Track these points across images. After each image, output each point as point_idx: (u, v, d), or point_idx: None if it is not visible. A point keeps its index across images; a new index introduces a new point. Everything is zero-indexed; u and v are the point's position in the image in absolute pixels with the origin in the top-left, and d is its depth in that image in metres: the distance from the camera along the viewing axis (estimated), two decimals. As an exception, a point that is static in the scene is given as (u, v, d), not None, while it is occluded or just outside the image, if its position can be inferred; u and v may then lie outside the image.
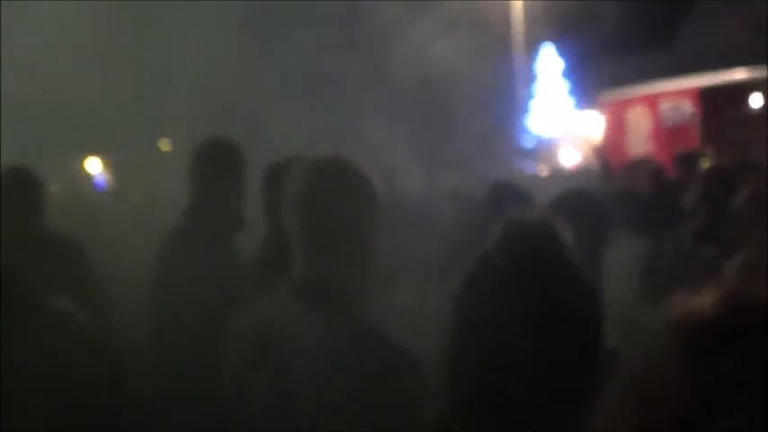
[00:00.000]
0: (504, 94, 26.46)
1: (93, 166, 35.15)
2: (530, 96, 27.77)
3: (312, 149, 4.56)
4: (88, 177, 32.97)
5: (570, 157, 24.09)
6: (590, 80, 25.38)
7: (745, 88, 20.29)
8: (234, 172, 5.23)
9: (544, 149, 25.50)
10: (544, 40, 27.95)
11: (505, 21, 26.38)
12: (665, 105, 21.44)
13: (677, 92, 21.21)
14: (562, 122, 26.80)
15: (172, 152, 34.61)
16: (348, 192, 3.22)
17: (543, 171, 18.89)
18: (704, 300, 1.78)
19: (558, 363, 3.38)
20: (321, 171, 3.27)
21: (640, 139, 21.51)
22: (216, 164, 5.20)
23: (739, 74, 20.53)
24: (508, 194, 5.41)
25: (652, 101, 21.93)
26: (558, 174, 17.82)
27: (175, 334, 4.85)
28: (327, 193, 3.21)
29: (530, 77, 27.81)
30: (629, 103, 22.77)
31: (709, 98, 20.54)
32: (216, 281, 4.65)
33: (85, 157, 34.82)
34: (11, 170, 5.60)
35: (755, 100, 20.19)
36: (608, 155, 22.18)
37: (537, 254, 3.81)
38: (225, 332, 3.37)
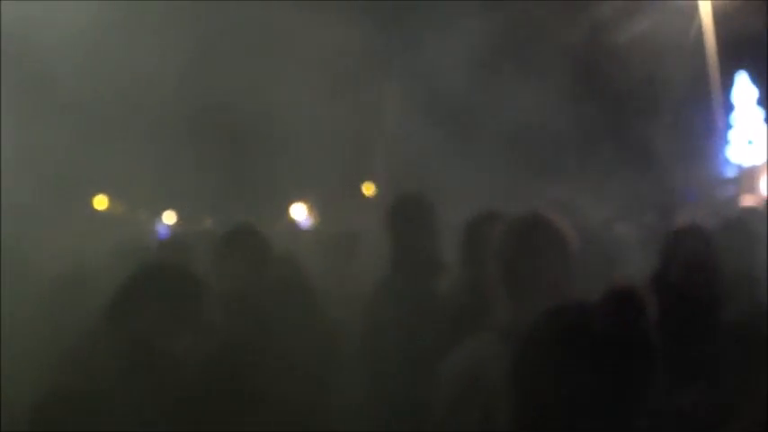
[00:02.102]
0: (704, 125, 26.35)
1: (299, 211, 36.03)
2: (728, 126, 27.45)
3: (511, 203, 5.06)
4: (293, 223, 33.84)
5: (771, 186, 23.81)
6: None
7: None
8: (429, 224, 5.56)
9: (746, 178, 25.20)
10: (738, 69, 27.65)
11: (700, 52, 26.30)
12: None
13: None
14: (761, 150, 26.44)
15: (375, 196, 35.24)
16: (547, 245, 3.67)
17: (747, 200, 18.78)
18: None
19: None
20: (525, 228, 3.74)
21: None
22: (412, 219, 5.55)
23: None
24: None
25: None
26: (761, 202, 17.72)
27: (386, 381, 5.11)
28: (531, 247, 3.65)
29: (727, 107, 27.52)
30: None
31: None
32: (423, 326, 4.98)
33: (291, 202, 35.75)
34: (240, 228, 5.89)
35: None
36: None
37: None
38: (433, 375, 3.85)
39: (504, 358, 3.22)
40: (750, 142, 27.12)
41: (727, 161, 26.99)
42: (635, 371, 2.68)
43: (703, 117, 26.62)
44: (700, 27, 26.45)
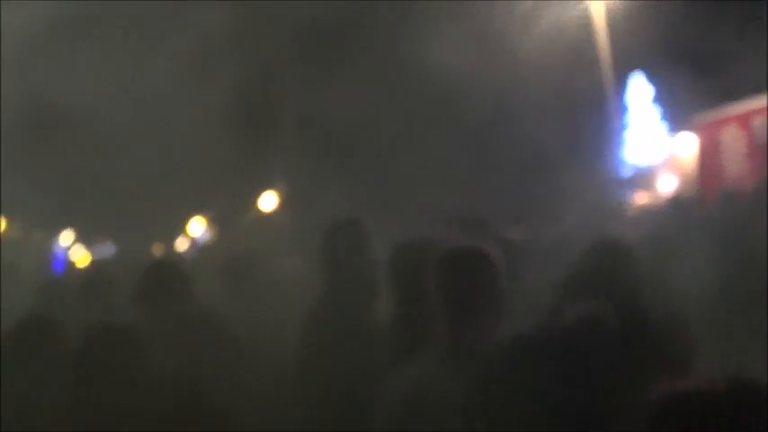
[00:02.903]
0: (598, 127, 26.58)
1: (196, 227, 35.67)
2: (623, 127, 27.74)
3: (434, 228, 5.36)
4: (191, 239, 33.51)
5: (668, 183, 24.11)
6: (682, 104, 25.30)
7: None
8: (366, 247, 5.66)
9: (642, 178, 25.50)
10: (632, 70, 27.95)
11: (593, 55, 26.49)
12: (757, 122, 21.33)
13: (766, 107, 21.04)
14: (657, 149, 26.77)
15: (276, 207, 35.09)
16: (483, 276, 4.11)
17: (642, 199, 18.99)
18: None
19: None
20: (460, 262, 4.19)
21: (736, 159, 21.45)
22: (347, 242, 5.64)
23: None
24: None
25: (744, 119, 21.82)
26: (657, 201, 17.90)
27: (325, 399, 5.14)
28: (469, 278, 4.10)
29: (621, 108, 27.79)
30: (721, 123, 22.69)
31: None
32: (361, 347, 5.09)
33: (189, 217, 35.35)
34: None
35: None
36: (704, 177, 22.25)
37: None
38: (375, 395, 4.00)
39: (447, 381, 3.66)
40: (647, 140, 27.41)
41: (623, 162, 27.26)
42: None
43: (598, 118, 26.85)
44: (592, 28, 26.63)
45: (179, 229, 34.00)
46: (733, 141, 21.93)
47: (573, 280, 5.16)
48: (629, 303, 4.77)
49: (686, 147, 24.47)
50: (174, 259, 5.91)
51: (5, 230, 29.55)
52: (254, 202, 35.15)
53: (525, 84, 22.38)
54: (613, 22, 26.47)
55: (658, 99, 27.82)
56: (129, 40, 17.95)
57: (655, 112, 27.89)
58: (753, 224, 7.62)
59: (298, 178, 29.96)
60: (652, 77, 27.89)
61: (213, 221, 34.93)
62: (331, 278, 5.62)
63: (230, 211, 32.58)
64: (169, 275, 5.83)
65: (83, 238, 32.28)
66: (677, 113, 25.81)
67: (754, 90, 21.83)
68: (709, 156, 22.46)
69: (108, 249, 27.74)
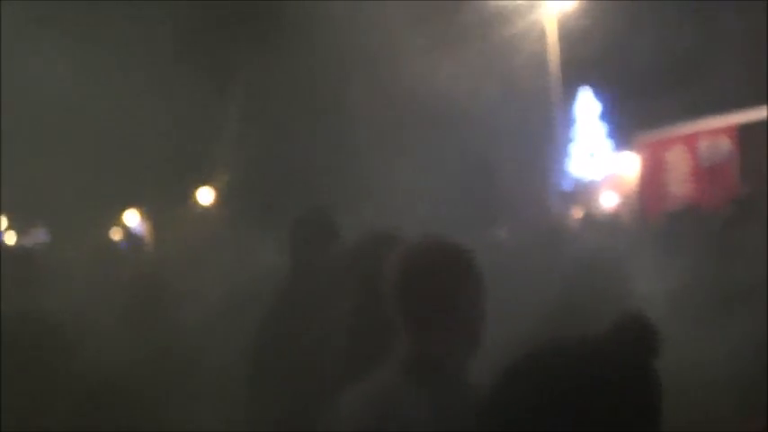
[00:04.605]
0: (544, 139, 26.52)
1: (131, 218, 35.21)
2: (569, 140, 27.72)
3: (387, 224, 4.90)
4: (125, 228, 33.05)
5: (609, 200, 24.12)
6: (628, 122, 25.36)
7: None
8: (332, 241, 5.30)
9: (583, 192, 25.47)
10: (581, 85, 27.97)
11: (543, 67, 26.45)
12: (703, 144, 21.34)
13: (715, 130, 21.05)
14: (601, 165, 26.79)
15: (213, 202, 34.79)
16: (450, 274, 3.40)
17: (579, 213, 18.92)
18: None
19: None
20: (423, 256, 3.48)
21: (679, 180, 21.46)
22: (315, 234, 5.33)
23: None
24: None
25: (690, 140, 21.83)
26: (595, 216, 17.83)
27: (275, 405, 4.88)
28: (432, 276, 3.40)
29: (568, 121, 27.78)
30: (667, 143, 22.70)
31: (746, 135, 20.39)
32: (322, 350, 4.69)
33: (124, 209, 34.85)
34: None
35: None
36: (646, 196, 22.27)
37: None
38: (332, 407, 3.56)
39: (410, 393, 3.24)
40: (591, 155, 27.47)
41: (566, 175, 27.25)
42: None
43: (545, 132, 26.80)
44: (545, 42, 26.62)
45: (114, 219, 33.44)
46: (678, 162, 21.96)
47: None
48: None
49: (630, 164, 24.53)
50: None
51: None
52: (192, 196, 34.87)
53: (476, 92, 22.31)
54: (566, 36, 26.48)
55: (606, 115, 27.88)
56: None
57: (601, 127, 27.95)
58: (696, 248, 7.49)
59: (241, 170, 29.67)
60: (601, 93, 27.96)
61: (148, 214, 34.47)
62: (294, 272, 5.33)
63: (166, 203, 32.16)
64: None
65: (15, 224, 31.65)
66: (623, 131, 25.89)
67: (704, 111, 21.89)
68: (652, 174, 22.49)
69: (41, 236, 27.25)
